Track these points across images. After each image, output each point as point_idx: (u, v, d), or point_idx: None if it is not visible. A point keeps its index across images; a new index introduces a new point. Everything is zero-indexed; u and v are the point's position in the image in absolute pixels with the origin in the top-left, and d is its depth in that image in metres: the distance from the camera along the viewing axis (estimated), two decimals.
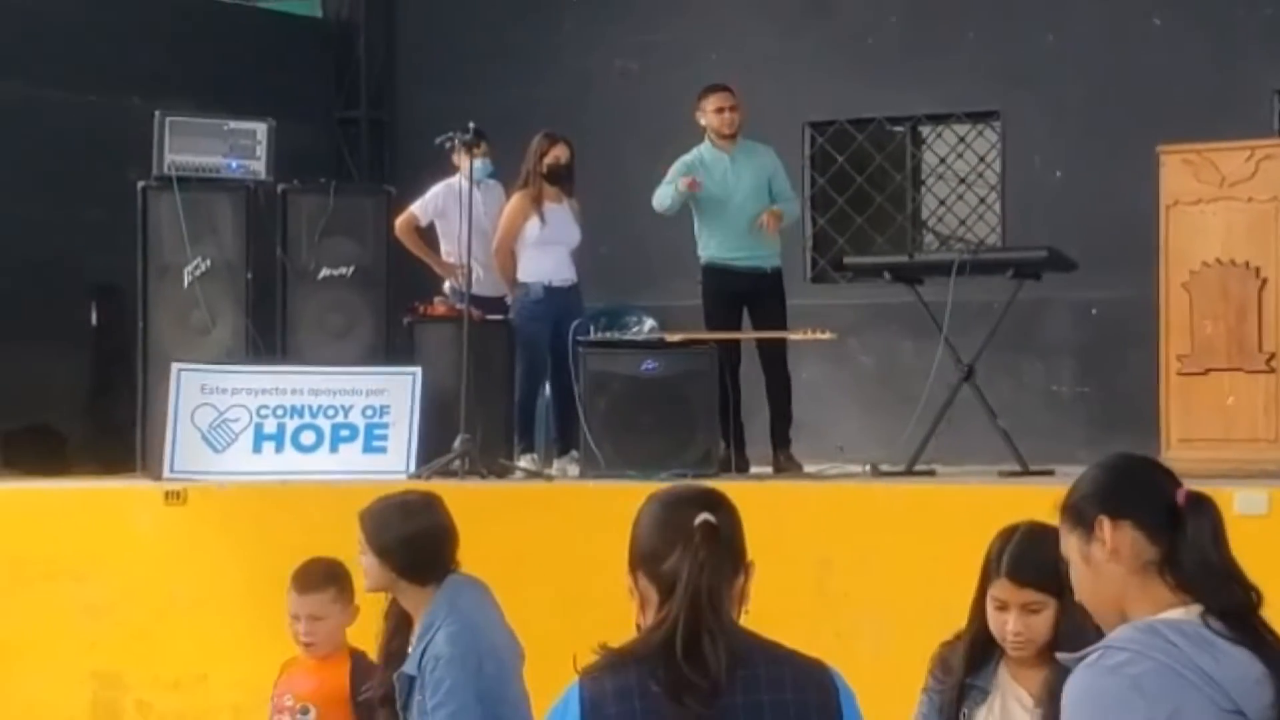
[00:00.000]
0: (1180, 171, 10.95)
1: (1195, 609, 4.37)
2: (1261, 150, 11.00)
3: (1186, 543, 4.42)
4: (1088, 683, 4.30)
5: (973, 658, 5.76)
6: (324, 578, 8.21)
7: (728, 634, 4.26)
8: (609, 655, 4.41)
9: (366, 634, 7.76)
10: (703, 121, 13.17)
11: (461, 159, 13.27)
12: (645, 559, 4.43)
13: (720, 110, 13.07)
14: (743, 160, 13.08)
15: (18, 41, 15.71)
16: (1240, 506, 9.46)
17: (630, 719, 4.28)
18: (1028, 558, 5.58)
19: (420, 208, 13.82)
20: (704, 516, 4.32)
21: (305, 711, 7.92)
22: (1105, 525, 4.40)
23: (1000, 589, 5.62)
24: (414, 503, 7.65)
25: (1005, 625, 5.61)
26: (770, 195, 13.07)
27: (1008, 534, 5.68)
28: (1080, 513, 4.49)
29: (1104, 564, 4.44)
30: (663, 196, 13.02)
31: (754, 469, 12.63)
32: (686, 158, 13.10)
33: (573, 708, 4.34)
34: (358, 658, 7.95)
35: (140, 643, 11.41)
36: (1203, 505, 4.55)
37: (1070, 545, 4.52)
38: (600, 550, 10.74)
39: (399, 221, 13.72)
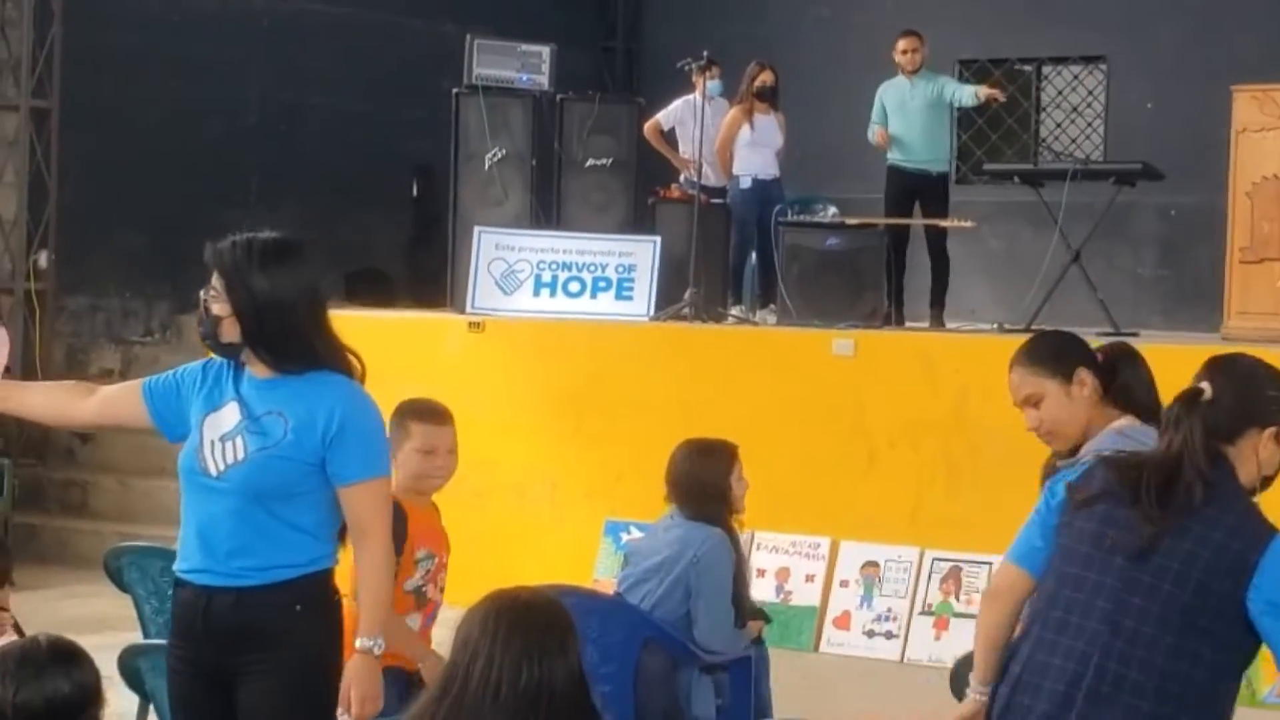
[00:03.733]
0: (1248, 106, 10.81)
1: (1130, 418, 4.89)
2: None
3: (1122, 381, 5.02)
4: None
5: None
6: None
7: (1203, 480, 4.03)
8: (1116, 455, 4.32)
9: None
10: (895, 58, 13.12)
11: (697, 79, 13.28)
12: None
13: (905, 52, 13.04)
14: (920, 86, 13.00)
15: None
16: None
17: (1110, 496, 4.14)
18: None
19: (664, 116, 13.85)
20: (1198, 385, 4.16)
21: (431, 557, 5.99)
22: (1084, 372, 4.88)
23: None
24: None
25: None
26: (945, 102, 13.09)
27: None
28: (1061, 364, 4.90)
29: (1080, 398, 4.87)
30: (870, 134, 13.15)
31: (909, 324, 12.62)
32: (881, 88, 13.16)
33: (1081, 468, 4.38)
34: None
35: None
36: (1133, 355, 5.27)
37: (1049, 388, 4.89)
38: (791, 377, 10.89)
39: (647, 126, 13.75)
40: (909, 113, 12.97)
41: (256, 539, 4.67)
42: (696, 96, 13.26)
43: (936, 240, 12.92)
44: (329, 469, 4.66)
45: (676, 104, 13.79)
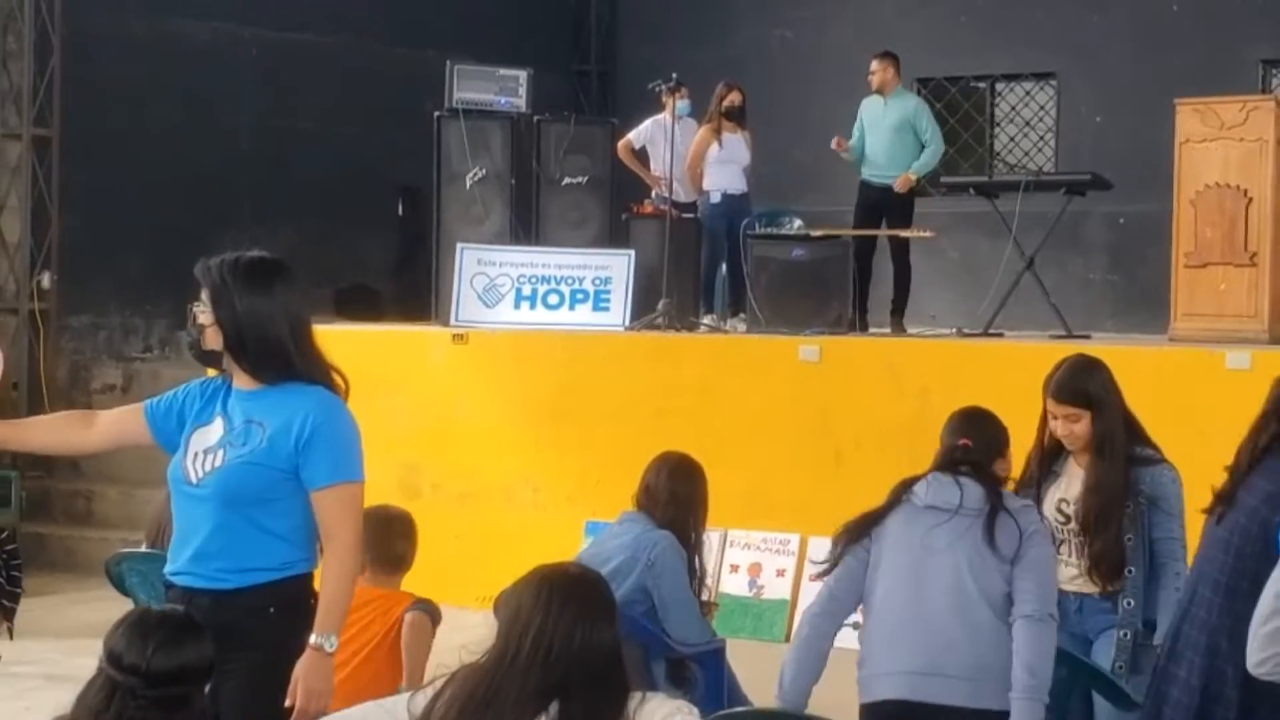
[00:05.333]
0: (1191, 118, 10.81)
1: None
2: (1251, 104, 10.84)
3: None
4: None
5: (1043, 454, 5.89)
6: None
7: (1258, 454, 4.34)
8: None
9: None
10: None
11: (666, 100, 13.30)
12: None
13: (870, 73, 13.04)
14: (893, 107, 12.97)
15: (351, 7, 15.89)
16: (1230, 364, 9.43)
17: None
18: (1065, 384, 5.77)
19: (635, 135, 13.85)
20: None
21: None
22: None
23: (1050, 405, 5.82)
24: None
25: (1056, 429, 5.80)
26: (914, 132, 12.97)
27: (1058, 365, 5.87)
28: None
29: None
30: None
31: (872, 330, 12.63)
32: (863, 103, 13.14)
33: None
34: None
35: (433, 441, 11.57)
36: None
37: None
38: (760, 382, 10.90)
39: (619, 145, 13.75)
40: (880, 130, 12.98)
41: (233, 543, 4.73)
42: (666, 116, 13.28)
43: (899, 251, 12.93)
44: (301, 474, 4.71)
45: (646, 124, 13.80)
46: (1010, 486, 5.50)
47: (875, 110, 13.06)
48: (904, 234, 12.86)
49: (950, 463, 5.29)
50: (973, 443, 5.31)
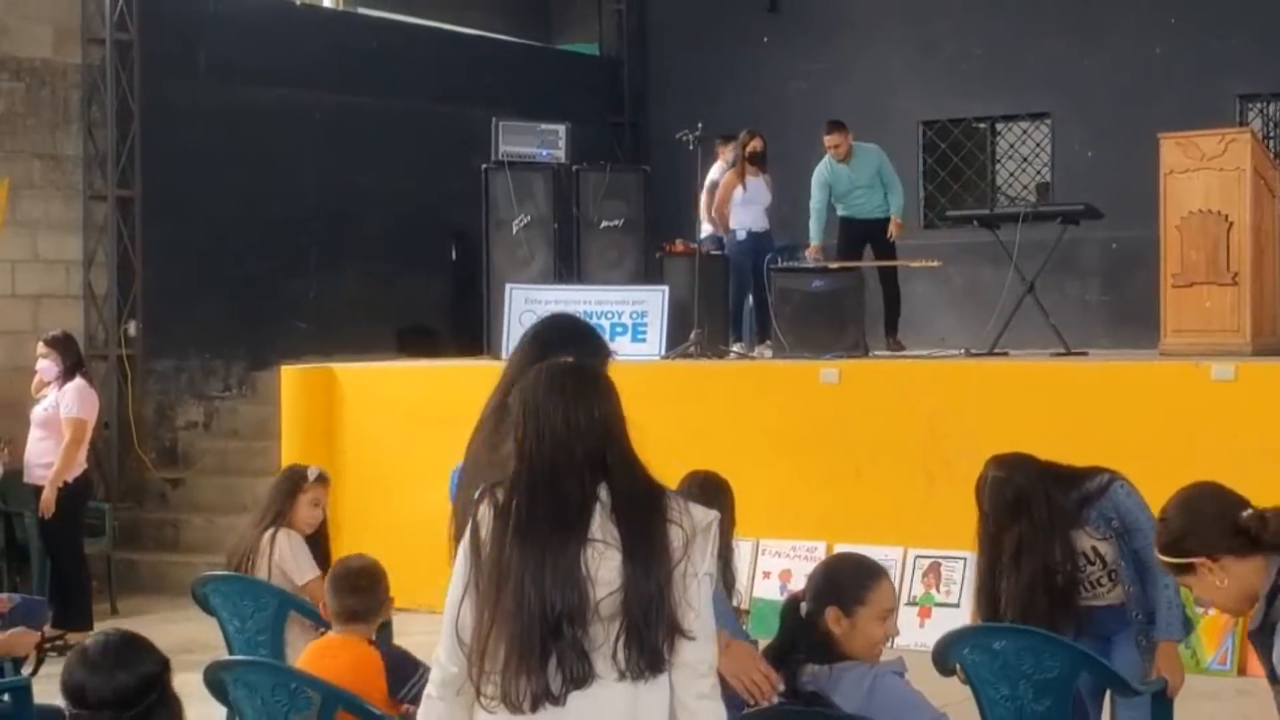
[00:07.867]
0: (1174, 151, 10.82)
1: None
2: (1229, 136, 10.84)
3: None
4: None
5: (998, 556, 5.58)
6: None
7: None
8: None
9: None
10: (828, 150, 13.10)
11: (721, 150, 13.37)
12: None
13: (831, 146, 13.04)
14: (857, 164, 13.02)
15: (404, 71, 15.98)
16: (1216, 375, 9.41)
17: None
18: (995, 508, 5.47)
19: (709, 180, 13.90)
20: None
21: None
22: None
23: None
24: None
25: None
26: (881, 181, 12.99)
27: (980, 482, 5.54)
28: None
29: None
30: (811, 231, 13.12)
31: (875, 352, 12.50)
32: (824, 172, 13.06)
33: None
34: None
35: None
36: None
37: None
38: (786, 404, 10.92)
39: (703, 193, 13.80)
40: (856, 191, 13.08)
41: None
42: (722, 162, 13.35)
43: (889, 275, 12.99)
44: None
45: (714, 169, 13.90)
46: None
47: (841, 178, 13.05)
48: (914, 264, 12.89)
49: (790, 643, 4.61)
50: (806, 599, 4.58)
